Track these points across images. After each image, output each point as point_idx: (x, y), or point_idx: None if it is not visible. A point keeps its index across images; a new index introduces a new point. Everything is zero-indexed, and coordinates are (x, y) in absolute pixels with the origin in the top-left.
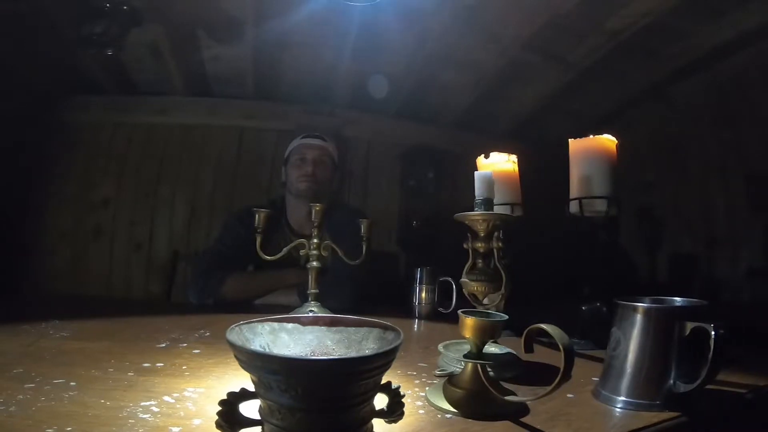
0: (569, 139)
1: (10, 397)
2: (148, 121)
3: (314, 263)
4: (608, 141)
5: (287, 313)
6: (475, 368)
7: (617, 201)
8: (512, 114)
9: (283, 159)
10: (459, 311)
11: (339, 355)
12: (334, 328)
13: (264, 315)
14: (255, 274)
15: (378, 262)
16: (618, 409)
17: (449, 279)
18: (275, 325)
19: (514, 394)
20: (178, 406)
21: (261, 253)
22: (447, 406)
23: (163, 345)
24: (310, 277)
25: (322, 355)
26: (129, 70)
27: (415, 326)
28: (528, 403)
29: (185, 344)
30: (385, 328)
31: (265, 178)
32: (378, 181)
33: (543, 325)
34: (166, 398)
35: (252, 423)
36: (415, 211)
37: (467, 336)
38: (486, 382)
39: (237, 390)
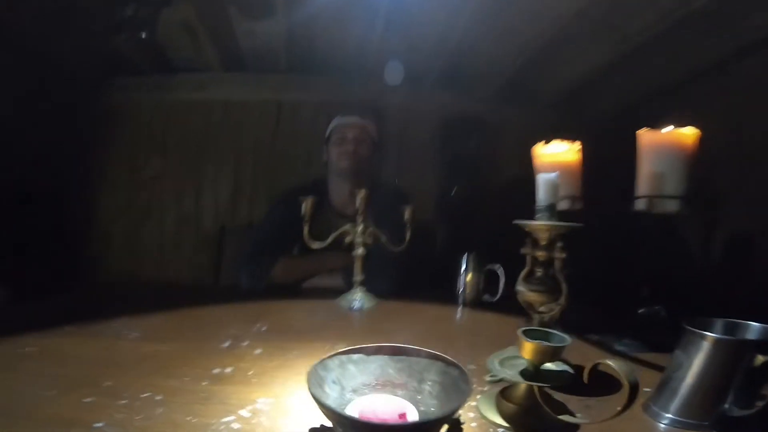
0: (640, 131)
1: (111, 417)
2: (188, 98)
3: (359, 251)
4: (685, 135)
5: (333, 297)
6: (530, 385)
7: (690, 200)
8: (558, 86)
9: (324, 138)
10: (518, 331)
11: (402, 381)
12: (397, 357)
13: (310, 300)
14: (301, 258)
15: (416, 242)
16: (665, 426)
17: (496, 268)
18: (343, 358)
19: (566, 409)
20: (254, 421)
21: (308, 241)
22: (499, 420)
23: (226, 345)
24: (355, 264)
25: (385, 384)
26: (165, 50)
27: (459, 314)
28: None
29: (246, 342)
30: (448, 363)
31: (304, 151)
32: (414, 154)
33: (609, 362)
34: (243, 412)
35: None
36: (453, 184)
37: (526, 357)
38: (541, 401)
39: (317, 426)
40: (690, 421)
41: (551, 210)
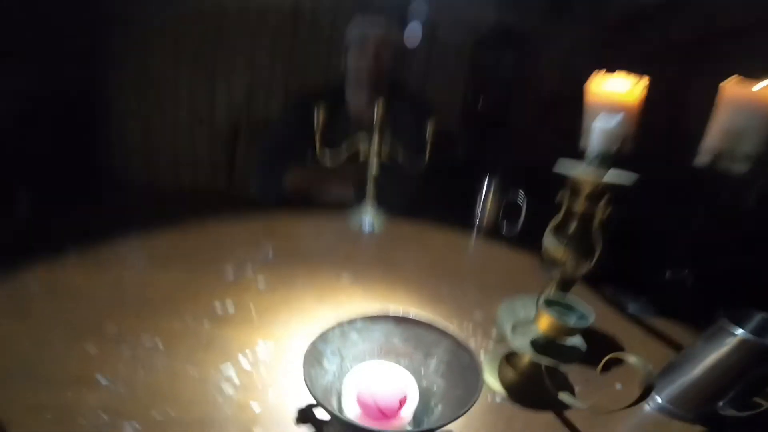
0: (726, 82)
1: (114, 370)
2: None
3: (373, 168)
4: None
5: (343, 213)
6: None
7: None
8: (622, 5)
9: (345, 43)
10: (540, 302)
11: (407, 351)
12: (404, 326)
13: (319, 216)
14: (314, 169)
15: (436, 159)
16: (650, 408)
17: (519, 199)
18: (345, 327)
19: (567, 383)
20: (254, 374)
21: (320, 153)
22: (499, 386)
23: (231, 277)
24: (368, 182)
25: (389, 353)
26: None
27: (472, 244)
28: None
29: (250, 272)
30: (459, 344)
31: (322, 52)
32: (442, 64)
33: (629, 358)
34: (243, 361)
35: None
36: (483, 96)
37: (541, 329)
38: (546, 378)
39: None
40: (677, 410)
41: (604, 160)
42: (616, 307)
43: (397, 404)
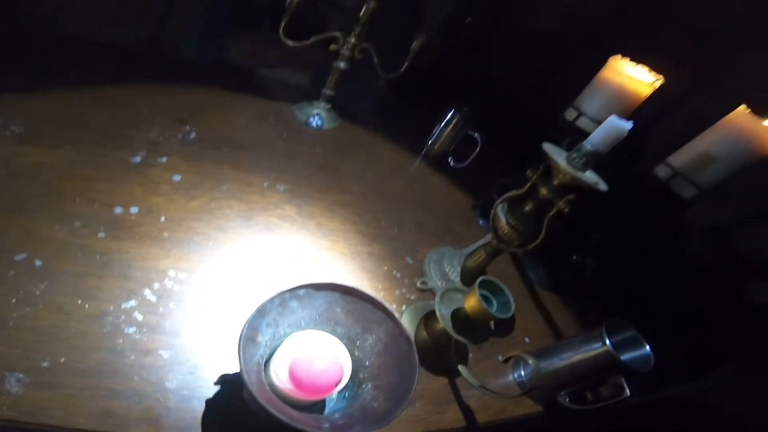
0: (738, 111)
1: None
2: None
3: (341, 64)
4: None
5: (291, 99)
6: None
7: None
8: None
9: None
10: (477, 282)
11: (346, 322)
12: (349, 298)
13: (262, 99)
14: (269, 44)
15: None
16: (512, 383)
17: (477, 135)
18: (286, 296)
19: (466, 354)
20: (161, 310)
21: (283, 30)
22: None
23: (138, 159)
24: (331, 75)
25: (328, 321)
26: None
27: (419, 170)
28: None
29: (164, 159)
30: (402, 333)
31: None
32: None
33: (528, 359)
34: (147, 293)
35: None
36: (470, 16)
37: (467, 307)
38: (453, 352)
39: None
40: (531, 387)
41: (594, 159)
42: (516, 267)
43: (333, 385)
